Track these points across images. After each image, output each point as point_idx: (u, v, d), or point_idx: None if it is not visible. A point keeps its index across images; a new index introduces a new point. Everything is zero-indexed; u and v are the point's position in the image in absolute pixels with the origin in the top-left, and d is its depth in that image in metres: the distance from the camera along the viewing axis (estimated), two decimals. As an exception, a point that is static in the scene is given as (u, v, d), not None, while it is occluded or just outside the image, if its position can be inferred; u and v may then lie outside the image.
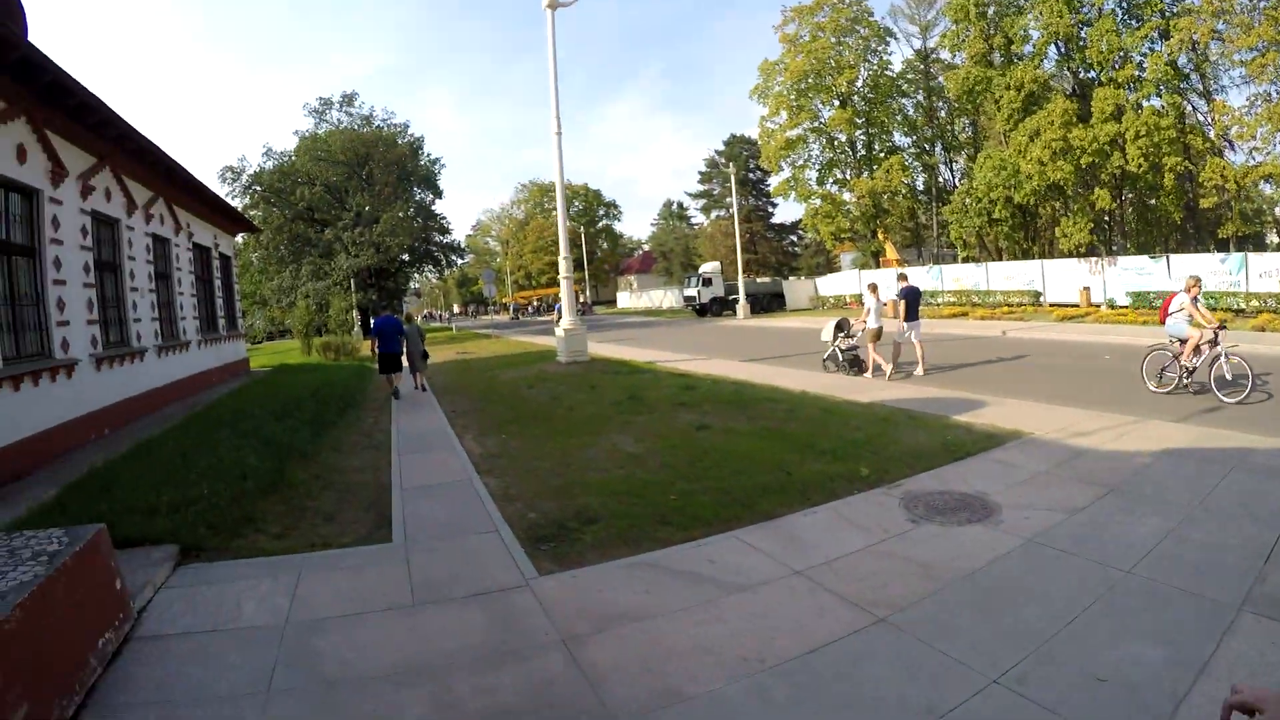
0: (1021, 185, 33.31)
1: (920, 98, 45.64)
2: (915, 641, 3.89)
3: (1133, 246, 34.29)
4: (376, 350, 14.61)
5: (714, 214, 69.58)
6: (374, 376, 17.31)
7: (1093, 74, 33.27)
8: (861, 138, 45.34)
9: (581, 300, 62.52)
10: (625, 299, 75.82)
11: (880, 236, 44.70)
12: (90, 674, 3.70)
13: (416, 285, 70.53)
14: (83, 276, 11.05)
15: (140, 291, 13.69)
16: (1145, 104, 30.85)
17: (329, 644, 4.14)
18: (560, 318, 28.71)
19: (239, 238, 32.75)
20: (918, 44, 45.71)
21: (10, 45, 7.94)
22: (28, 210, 9.67)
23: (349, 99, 46.33)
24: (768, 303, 43.75)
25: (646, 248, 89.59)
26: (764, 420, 9.96)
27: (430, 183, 49.18)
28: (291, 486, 7.44)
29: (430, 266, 55.24)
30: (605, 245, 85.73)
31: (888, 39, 43.97)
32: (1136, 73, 30.97)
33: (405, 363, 15.28)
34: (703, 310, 43.86)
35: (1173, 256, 25.69)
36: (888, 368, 13.84)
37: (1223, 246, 29.57)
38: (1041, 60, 34.77)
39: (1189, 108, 31.27)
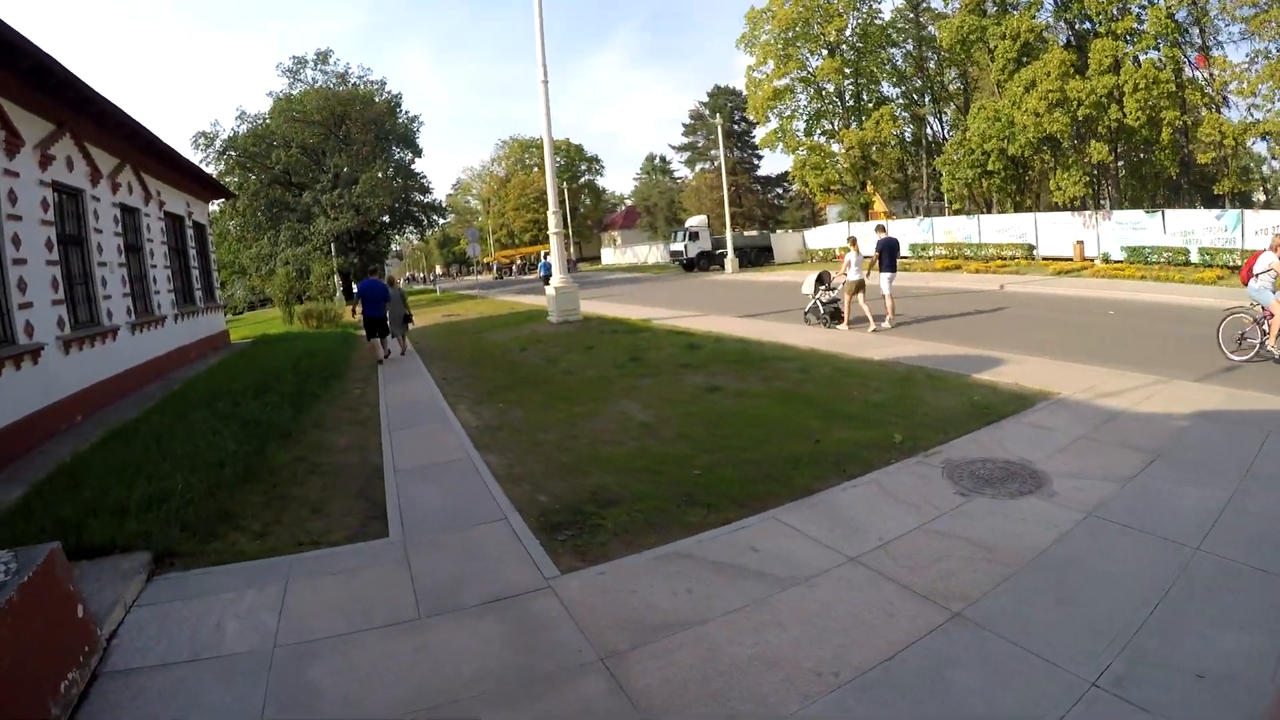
0: (1016, 137, 32.75)
1: (910, 47, 44.54)
2: (999, 640, 3.51)
3: (1125, 201, 33.98)
4: (361, 315, 14.52)
5: (698, 167, 68.20)
6: (358, 343, 17.35)
7: (1089, 25, 32.45)
8: (850, 88, 44.45)
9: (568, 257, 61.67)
10: (609, 255, 74.61)
11: (869, 189, 43.86)
12: (52, 727, 3.09)
13: (398, 247, 69.23)
14: (45, 253, 10.17)
15: (109, 266, 12.78)
16: (1143, 57, 30.25)
17: (325, 673, 3.55)
18: (546, 276, 28.04)
19: (214, 205, 31.62)
20: (908, -9, 44.29)
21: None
22: (-21, 185, 8.80)
23: (323, 56, 44.32)
24: (755, 256, 43.00)
25: (630, 203, 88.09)
26: (777, 381, 9.45)
27: (409, 141, 47.58)
28: (273, 472, 6.81)
29: (411, 227, 53.77)
30: (588, 201, 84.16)
31: (878, -14, 42.69)
32: (1135, 25, 30.27)
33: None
34: (690, 265, 43.02)
35: (1168, 212, 25.32)
36: (873, 321, 13.87)
37: (1211, 202, 29.41)
38: (1038, 10, 33.89)
39: (1186, 63, 30.66)
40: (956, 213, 39.23)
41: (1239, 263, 20.76)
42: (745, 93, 49.43)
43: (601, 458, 6.69)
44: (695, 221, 46.38)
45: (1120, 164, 34.64)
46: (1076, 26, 33.76)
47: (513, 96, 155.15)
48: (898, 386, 8.76)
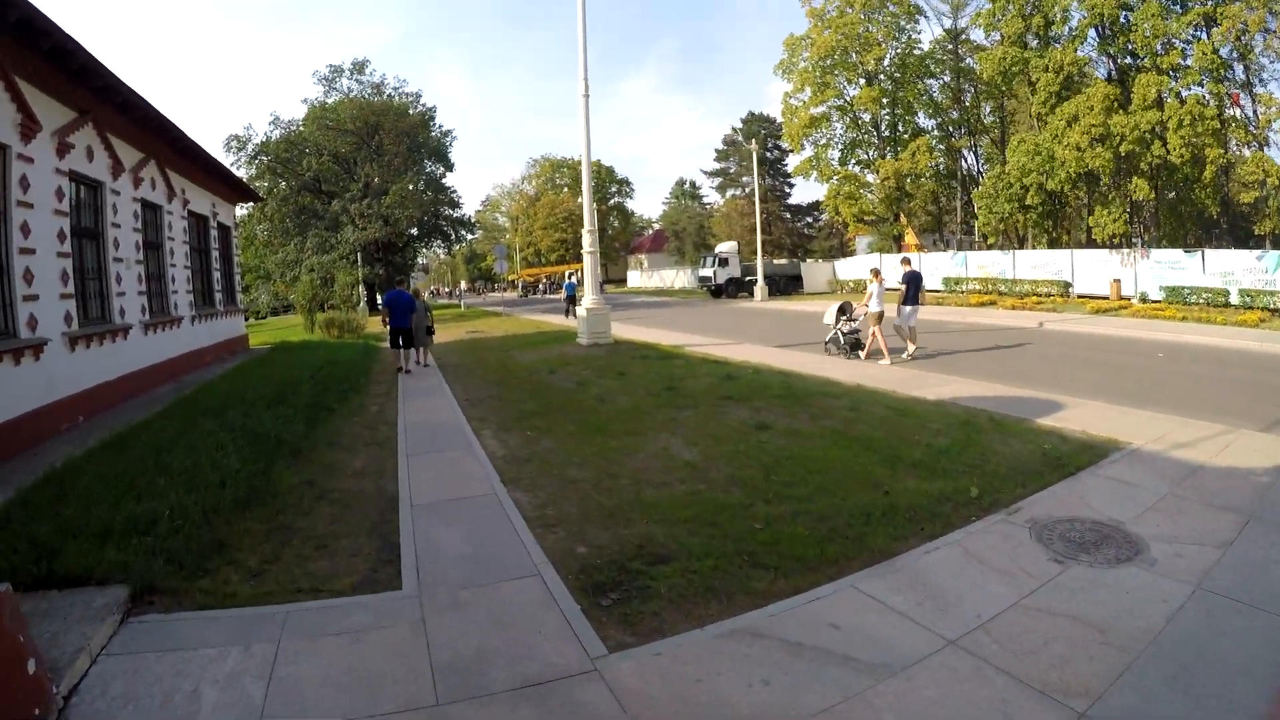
0: (1056, 172, 32.09)
1: (947, 79, 44.01)
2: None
3: (1164, 239, 33.17)
4: (388, 324, 14.86)
5: (729, 193, 67.63)
6: (379, 355, 17.49)
7: (1133, 60, 31.88)
8: (886, 117, 44.08)
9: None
10: (635, 278, 74.36)
11: (902, 220, 43.12)
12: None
13: (425, 261, 69.07)
14: (56, 245, 9.68)
15: (126, 263, 12.33)
16: (1186, 93, 29.57)
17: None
18: (571, 298, 27.49)
19: (242, 209, 31.36)
20: (948, 23, 43.76)
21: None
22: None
23: (359, 66, 44.46)
24: (785, 285, 42.16)
25: (657, 226, 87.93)
26: (827, 420, 8.68)
27: (441, 155, 47.38)
28: (278, 497, 6.15)
29: (439, 241, 53.45)
30: (616, 223, 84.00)
31: (917, 16, 42.55)
32: (1180, 60, 29.65)
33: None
34: (718, 291, 42.33)
35: (1207, 252, 24.49)
36: (888, 355, 13.91)
37: (1244, 242, 28.46)
38: (1081, 43, 33.32)
39: (1228, 99, 29.94)
40: (990, 247, 38.58)
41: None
42: (780, 119, 49.35)
43: (646, 502, 5.93)
44: (726, 247, 45.77)
45: (1157, 202, 33.91)
46: (1119, 60, 33.26)
47: (546, 115, 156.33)
48: (959, 430, 7.99)
